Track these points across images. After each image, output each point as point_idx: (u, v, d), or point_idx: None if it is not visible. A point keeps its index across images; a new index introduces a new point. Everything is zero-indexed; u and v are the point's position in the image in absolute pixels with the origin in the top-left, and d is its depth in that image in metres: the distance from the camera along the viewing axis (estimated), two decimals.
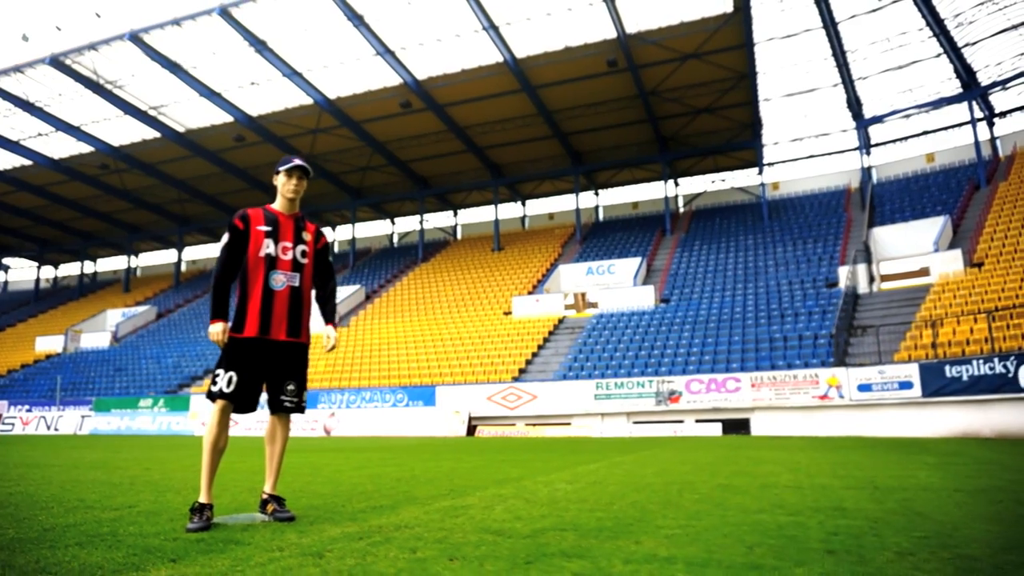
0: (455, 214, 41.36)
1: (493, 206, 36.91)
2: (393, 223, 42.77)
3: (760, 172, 32.46)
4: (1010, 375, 14.03)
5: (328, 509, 3.69)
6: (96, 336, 35.46)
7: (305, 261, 3.50)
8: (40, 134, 32.69)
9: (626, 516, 3.19)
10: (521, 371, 22.20)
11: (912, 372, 15.91)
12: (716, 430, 17.78)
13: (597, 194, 38.45)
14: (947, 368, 15.31)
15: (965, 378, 14.91)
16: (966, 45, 26.95)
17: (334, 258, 42.23)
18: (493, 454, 9.03)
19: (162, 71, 28.23)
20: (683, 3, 24.71)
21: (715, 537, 2.60)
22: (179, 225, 42.37)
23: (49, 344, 35.23)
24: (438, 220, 41.51)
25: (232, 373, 3.28)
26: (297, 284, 3.44)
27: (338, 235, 43.92)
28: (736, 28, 25.65)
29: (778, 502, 3.58)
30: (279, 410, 3.48)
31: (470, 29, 25.85)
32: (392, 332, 28.00)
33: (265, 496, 3.44)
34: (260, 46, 26.82)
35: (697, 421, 18.24)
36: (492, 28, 25.56)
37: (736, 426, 17.83)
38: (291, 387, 3.46)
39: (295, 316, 3.44)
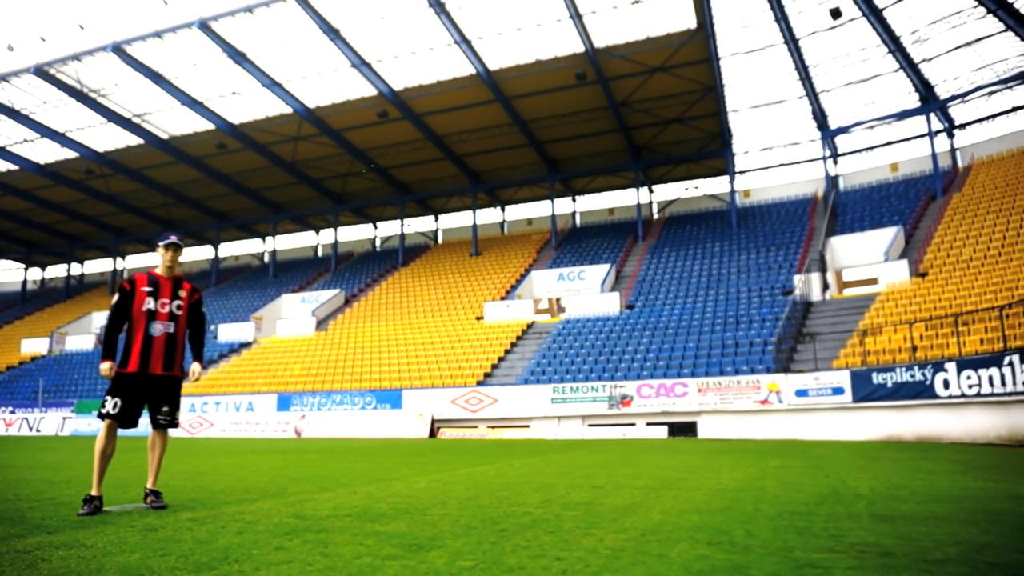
0: (436, 219, 42.22)
1: (472, 212, 37.80)
2: (375, 227, 43.60)
3: (731, 180, 33.38)
4: (927, 382, 14.97)
5: (202, 501, 4.57)
6: (81, 338, 36.19)
7: (180, 313, 4.54)
8: (26, 140, 33.45)
9: (412, 507, 4.09)
10: (487, 375, 23.06)
11: (844, 379, 16.85)
12: (665, 433, 18.70)
13: (574, 200, 39.33)
14: (874, 375, 16.26)
15: (890, 385, 15.85)
16: (923, 61, 27.91)
17: (318, 261, 43.12)
18: (414, 456, 9.92)
19: (145, 80, 29.01)
20: (648, 19, 25.63)
21: (444, 522, 3.48)
22: (165, 228, 43.08)
23: (34, 346, 35.97)
24: (420, 225, 42.36)
25: (117, 399, 4.27)
26: (172, 331, 4.49)
27: (321, 239, 44.74)
28: (700, 43, 26.60)
29: (547, 496, 4.48)
30: (157, 426, 4.48)
31: (443, 43, 26.71)
32: (367, 336, 28.84)
33: (147, 490, 4.36)
34: (240, 58, 27.62)
35: (648, 424, 19.14)
36: (464, 42, 26.43)
37: (684, 429, 18.74)
38: (165, 409, 4.47)
39: (170, 355, 4.47)
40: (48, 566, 2.61)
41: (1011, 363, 13.02)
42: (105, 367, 4.28)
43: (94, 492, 4.11)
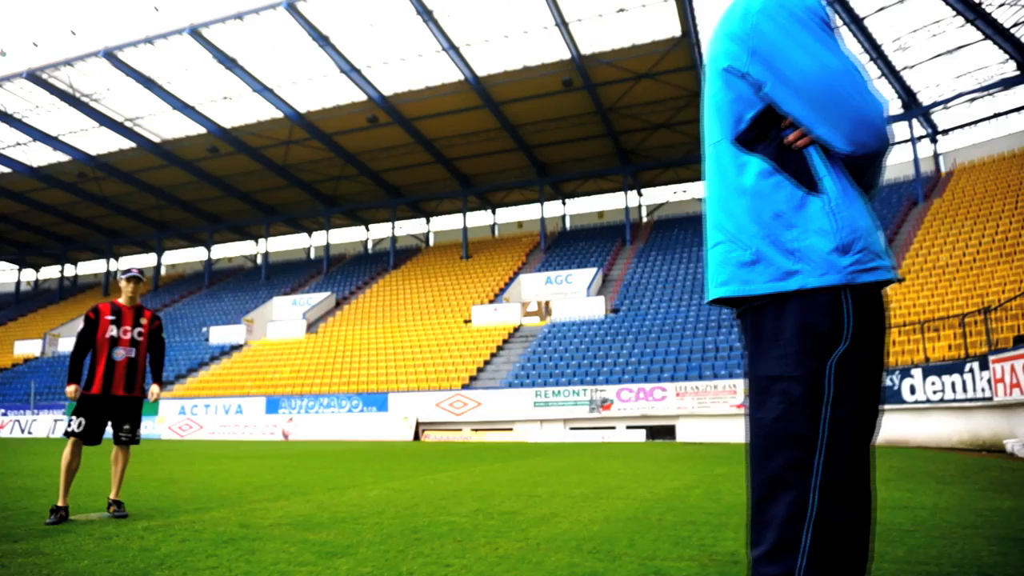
0: (428, 221, 42.59)
1: (462, 215, 38.20)
2: (368, 230, 43.97)
3: None
4: (895, 388, 15.39)
5: (163, 509, 4.94)
6: (74, 341, 36.43)
7: (141, 339, 5.01)
8: (18, 143, 33.73)
9: (351, 516, 4.49)
10: (472, 379, 23.42)
11: None
12: (643, 436, 19.09)
13: (564, 203, 39.73)
14: None
15: None
16: (905, 68, 28.36)
17: (310, 263, 43.45)
18: (385, 462, 10.30)
19: (137, 85, 29.32)
20: (634, 27, 26.03)
21: (371, 530, 3.86)
22: (158, 230, 43.40)
23: (27, 348, 36.24)
24: (412, 227, 42.75)
25: (81, 419, 4.71)
26: (133, 356, 4.94)
27: (314, 241, 45.09)
28: (685, 50, 27.01)
29: (481, 506, 4.86)
30: (119, 443, 4.92)
31: (432, 50, 27.07)
32: (356, 339, 29.19)
33: (110, 500, 4.75)
34: (230, 63, 27.94)
35: (628, 427, 19.54)
36: (453, 49, 26.81)
37: (662, 432, 19.13)
38: (127, 427, 4.91)
39: (131, 378, 4.91)
40: (6, 572, 2.97)
41: (971, 370, 13.43)
42: (70, 390, 4.70)
43: (60, 503, 4.50)
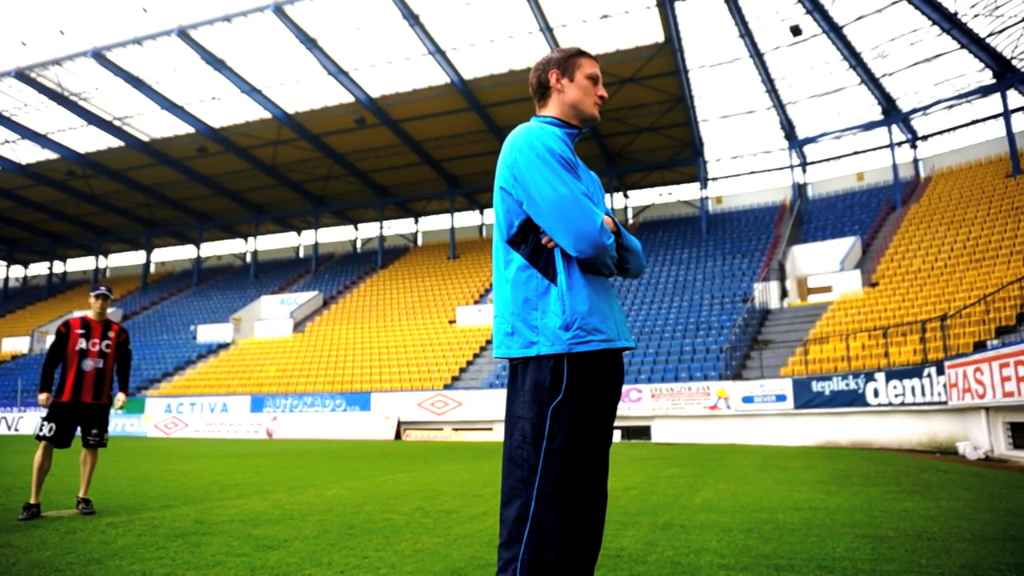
0: (416, 222, 42.93)
1: (449, 215, 38.58)
2: (356, 229, 44.26)
3: (703, 187, 34.35)
4: (860, 391, 15.88)
5: (129, 507, 5.32)
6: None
7: (108, 351, 5.46)
8: (7, 141, 33.90)
9: (300, 513, 4.89)
10: (454, 379, 23.82)
11: (787, 386, 17.74)
12: (618, 437, 19.53)
13: None
14: (814, 383, 17.16)
15: (827, 393, 16.75)
16: (884, 75, 28.88)
17: (299, 262, 43.71)
18: (355, 462, 10.69)
19: (125, 85, 29.55)
20: (617, 33, 26.49)
21: (312, 526, 4.26)
22: (147, 228, 43.56)
23: (15, 345, 36.40)
24: (400, 227, 43.07)
25: (52, 424, 5.15)
26: (101, 366, 5.38)
27: (303, 240, 45.36)
28: (668, 56, 27.48)
29: (424, 504, 5.26)
30: (87, 446, 5.35)
31: (418, 53, 27.44)
32: (342, 339, 29.53)
33: (78, 499, 5.14)
34: (219, 64, 28.22)
35: None
36: (439, 52, 27.18)
37: (638, 433, 19.59)
38: (94, 431, 5.34)
39: (99, 387, 5.34)
40: None
41: (929, 375, 13.93)
42: (42, 398, 5.12)
43: (32, 500, 4.89)
